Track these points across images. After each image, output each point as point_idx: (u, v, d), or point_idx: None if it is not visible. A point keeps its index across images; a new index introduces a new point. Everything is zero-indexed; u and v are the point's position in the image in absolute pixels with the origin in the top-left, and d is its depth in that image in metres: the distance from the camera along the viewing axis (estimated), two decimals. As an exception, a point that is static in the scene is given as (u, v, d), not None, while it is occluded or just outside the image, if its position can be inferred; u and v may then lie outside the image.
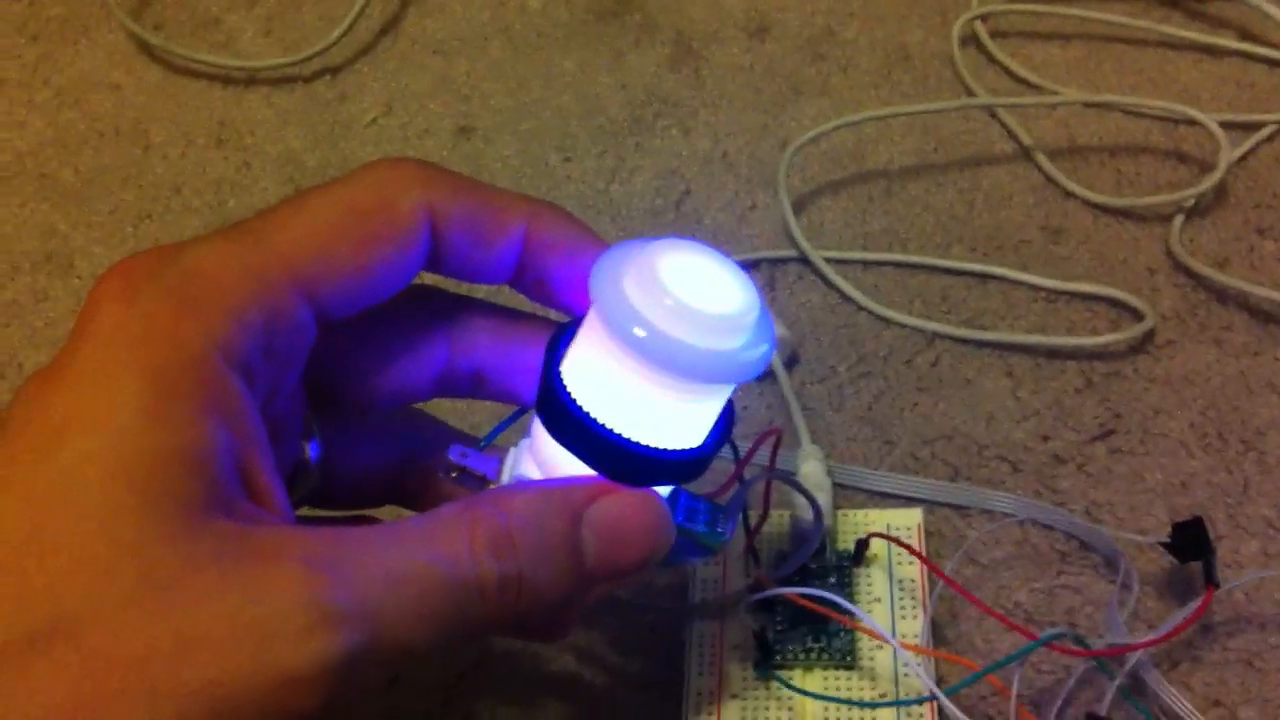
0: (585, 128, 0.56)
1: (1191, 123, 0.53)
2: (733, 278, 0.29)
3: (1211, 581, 0.36)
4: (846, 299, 0.48)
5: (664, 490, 0.31)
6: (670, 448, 0.29)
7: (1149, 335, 0.46)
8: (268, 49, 0.60)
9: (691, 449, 0.30)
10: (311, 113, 0.57)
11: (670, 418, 0.29)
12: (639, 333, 0.27)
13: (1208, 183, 0.50)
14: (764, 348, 0.29)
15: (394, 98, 0.57)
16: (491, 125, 0.56)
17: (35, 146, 0.56)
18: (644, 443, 0.29)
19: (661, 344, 0.28)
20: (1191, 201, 0.50)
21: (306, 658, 0.24)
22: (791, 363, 0.46)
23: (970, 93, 0.55)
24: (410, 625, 0.26)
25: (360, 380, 0.32)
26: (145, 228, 0.53)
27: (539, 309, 0.33)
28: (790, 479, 0.37)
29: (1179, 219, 0.50)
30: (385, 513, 0.35)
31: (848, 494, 0.42)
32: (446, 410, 0.45)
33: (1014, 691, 0.34)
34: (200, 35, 0.60)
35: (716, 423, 0.31)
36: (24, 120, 0.57)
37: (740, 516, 0.37)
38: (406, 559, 0.26)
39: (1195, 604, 0.36)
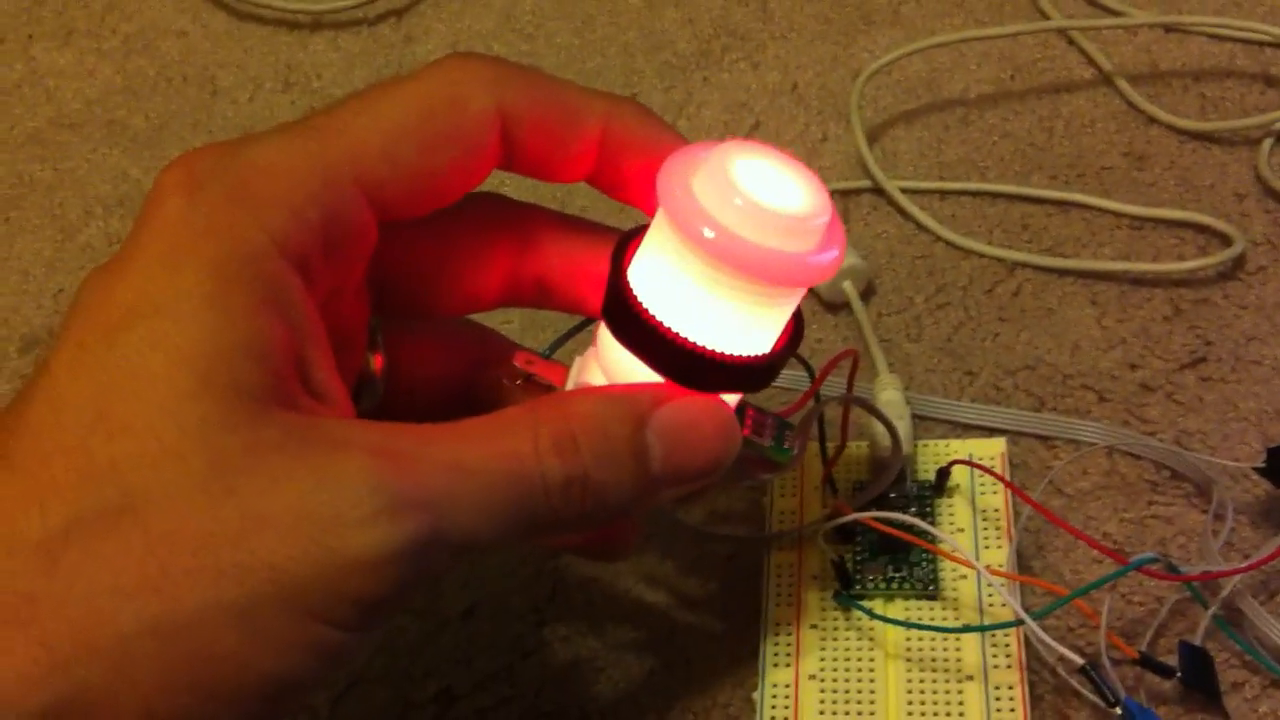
0: (651, 63, 0.55)
1: (1278, 45, 0.51)
2: (804, 180, 0.28)
3: (1310, 505, 0.35)
4: (923, 229, 0.47)
5: (731, 400, 0.30)
6: (737, 354, 0.29)
7: (1239, 261, 0.44)
8: (332, -7, 0.60)
9: (759, 356, 0.29)
10: (377, 55, 0.57)
11: (738, 323, 0.28)
12: (707, 233, 0.27)
13: (1299, 104, 0.48)
14: (835, 251, 0.28)
15: (459, 38, 0.57)
16: (556, 63, 0.55)
17: (104, 94, 0.56)
18: (711, 348, 0.28)
19: (730, 245, 0.27)
20: (1281, 125, 0.48)
21: (372, 543, 0.24)
22: (867, 294, 0.45)
23: (1045, 17, 0.54)
24: (476, 516, 0.26)
25: (424, 284, 0.31)
26: (214, 172, 0.53)
27: (609, 215, 0.33)
28: (866, 403, 0.36)
29: (1268, 142, 0.48)
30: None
31: (928, 425, 0.41)
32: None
33: (1104, 620, 0.33)
34: (265, -19, 0.60)
35: (785, 332, 0.30)
36: (93, 68, 0.58)
37: (813, 442, 0.37)
38: (471, 453, 0.26)
39: (1293, 530, 0.35)
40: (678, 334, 0.28)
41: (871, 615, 0.35)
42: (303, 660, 0.24)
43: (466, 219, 0.31)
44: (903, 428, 0.38)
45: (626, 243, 0.30)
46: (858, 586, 0.36)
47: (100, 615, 0.23)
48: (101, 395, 0.24)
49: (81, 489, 0.24)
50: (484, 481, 0.26)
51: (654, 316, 0.28)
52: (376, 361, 0.32)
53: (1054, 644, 0.32)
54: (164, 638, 0.23)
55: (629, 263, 0.29)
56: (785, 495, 0.39)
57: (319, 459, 0.24)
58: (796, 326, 0.31)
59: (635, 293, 0.29)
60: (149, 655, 0.23)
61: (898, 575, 0.36)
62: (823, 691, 0.34)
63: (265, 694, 0.24)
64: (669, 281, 0.28)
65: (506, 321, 0.45)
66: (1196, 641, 0.34)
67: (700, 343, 0.28)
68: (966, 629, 0.35)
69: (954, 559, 0.35)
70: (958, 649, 0.35)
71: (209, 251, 0.25)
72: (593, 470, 0.27)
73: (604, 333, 0.30)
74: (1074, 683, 0.34)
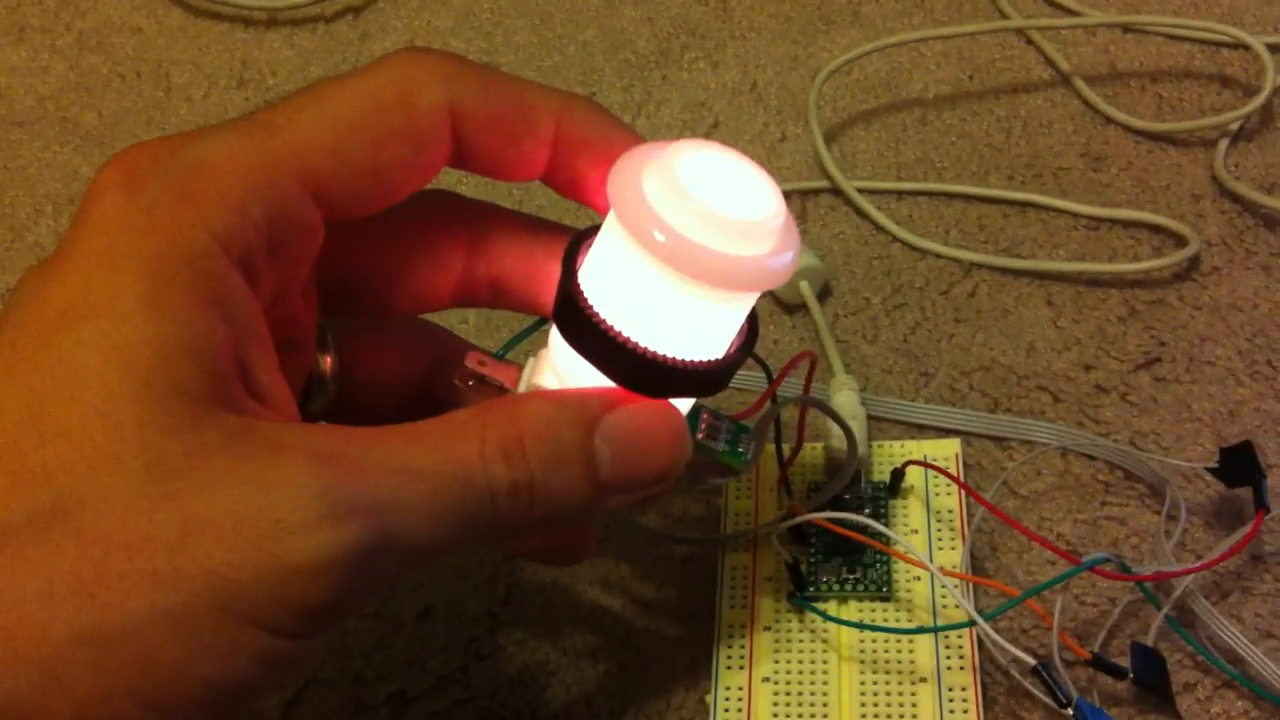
0: (610, 62, 0.54)
1: (1235, 45, 0.51)
2: (757, 181, 0.28)
3: (1261, 506, 0.35)
4: (880, 229, 0.47)
5: (684, 405, 0.30)
6: (689, 359, 0.28)
7: (1194, 261, 0.45)
8: (289, -11, 0.59)
9: (712, 361, 0.29)
10: (334, 52, 0.56)
11: (690, 327, 0.28)
12: (658, 236, 0.26)
13: (1253, 105, 0.48)
14: (789, 255, 0.28)
15: (416, 35, 0.56)
16: (515, 61, 0.55)
17: (57, 90, 0.56)
18: (662, 353, 0.28)
19: (681, 249, 0.26)
20: (1236, 125, 0.49)
21: (314, 549, 0.23)
22: (824, 294, 0.45)
23: (1004, 17, 0.54)
24: (422, 523, 0.25)
25: (375, 284, 0.31)
26: (168, 170, 0.52)
27: (566, 214, 0.32)
28: (822, 404, 0.36)
29: (1224, 143, 0.48)
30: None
31: (883, 426, 0.41)
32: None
33: (1056, 621, 0.33)
34: (220, -23, 0.60)
35: (739, 335, 0.30)
36: (46, 65, 0.57)
37: (769, 443, 0.36)
38: (417, 458, 0.26)
39: (1245, 530, 0.35)
40: (629, 339, 0.28)
41: (825, 617, 0.35)
42: (245, 668, 0.24)
43: (417, 217, 0.31)
44: (858, 429, 0.38)
45: (579, 244, 0.29)
46: (812, 588, 0.36)
47: (31, 623, 0.22)
48: (35, 397, 0.24)
49: (13, 493, 0.23)
50: (431, 486, 0.25)
51: (605, 321, 0.28)
52: (327, 363, 0.31)
53: (1007, 645, 0.32)
54: (99, 645, 0.23)
55: (580, 265, 0.29)
56: (740, 497, 0.39)
57: (260, 462, 0.24)
58: (751, 330, 0.30)
59: (586, 296, 0.28)
60: (83, 663, 0.23)
61: (852, 577, 0.36)
62: (776, 694, 0.34)
63: (208, 702, 0.24)
64: (620, 285, 0.28)
65: (462, 321, 0.45)
66: (1149, 642, 0.34)
67: (652, 347, 0.28)
68: (920, 630, 0.35)
69: (908, 560, 0.35)
70: (911, 651, 0.35)
71: (148, 250, 0.25)
72: (540, 476, 0.27)
73: (555, 335, 0.29)
74: (1027, 684, 0.34)
